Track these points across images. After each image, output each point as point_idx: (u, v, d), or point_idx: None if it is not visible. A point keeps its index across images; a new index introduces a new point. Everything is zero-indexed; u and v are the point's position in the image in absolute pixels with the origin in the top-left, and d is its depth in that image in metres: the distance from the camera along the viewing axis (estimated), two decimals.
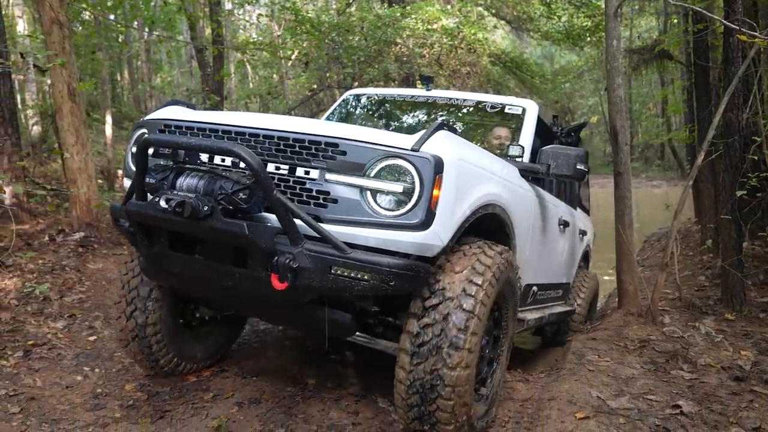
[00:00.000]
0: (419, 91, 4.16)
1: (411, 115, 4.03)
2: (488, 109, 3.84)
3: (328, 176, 2.30)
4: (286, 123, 2.50)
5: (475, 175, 2.56)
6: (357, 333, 2.72)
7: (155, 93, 20.41)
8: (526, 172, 3.36)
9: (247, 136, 2.46)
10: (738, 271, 4.53)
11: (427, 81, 4.17)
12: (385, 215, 2.25)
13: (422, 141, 2.29)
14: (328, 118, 4.27)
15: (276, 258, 2.27)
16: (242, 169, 2.40)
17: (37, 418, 3.10)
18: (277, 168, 2.38)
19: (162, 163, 2.55)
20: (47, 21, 6.14)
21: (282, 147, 2.39)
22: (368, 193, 2.27)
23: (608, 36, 4.35)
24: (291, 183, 2.36)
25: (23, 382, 3.43)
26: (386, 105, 4.23)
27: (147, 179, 2.49)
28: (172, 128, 2.68)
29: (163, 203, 2.31)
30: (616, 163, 4.52)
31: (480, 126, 3.81)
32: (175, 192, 2.36)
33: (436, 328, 2.40)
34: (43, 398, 3.32)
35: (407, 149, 2.26)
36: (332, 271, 2.25)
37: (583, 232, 5.11)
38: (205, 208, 2.26)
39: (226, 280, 2.55)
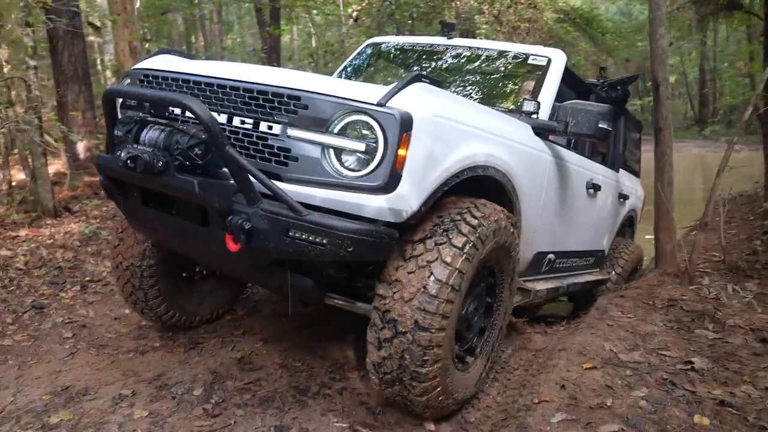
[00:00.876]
0: (440, 39, 3.96)
1: (429, 64, 3.89)
2: (510, 59, 3.61)
3: (290, 132, 2.15)
4: (251, 73, 2.35)
5: (459, 134, 2.34)
6: (336, 295, 2.61)
7: (226, 54, 21.01)
8: (543, 131, 3.12)
9: (215, 88, 2.34)
10: None
11: (449, 28, 3.97)
12: (348, 176, 2.09)
13: (391, 95, 2.09)
14: (342, 70, 4.21)
15: (230, 218, 2.17)
16: None
17: (87, 342, 3.47)
18: (243, 122, 2.25)
19: (135, 115, 2.44)
20: None
21: (247, 100, 2.26)
22: (331, 151, 2.11)
23: None
24: (254, 138, 2.23)
25: (78, 312, 3.83)
26: (405, 54, 4.08)
27: (116, 132, 2.41)
28: (150, 78, 2.57)
29: (121, 157, 2.20)
30: (656, 119, 4.34)
31: (502, 77, 3.61)
32: (136, 146, 2.25)
33: (394, 362, 2.30)
34: (94, 327, 3.69)
35: (372, 104, 2.07)
36: (289, 234, 2.11)
37: (624, 197, 4.77)
38: (160, 163, 2.17)
39: (193, 238, 2.52)
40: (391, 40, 4.20)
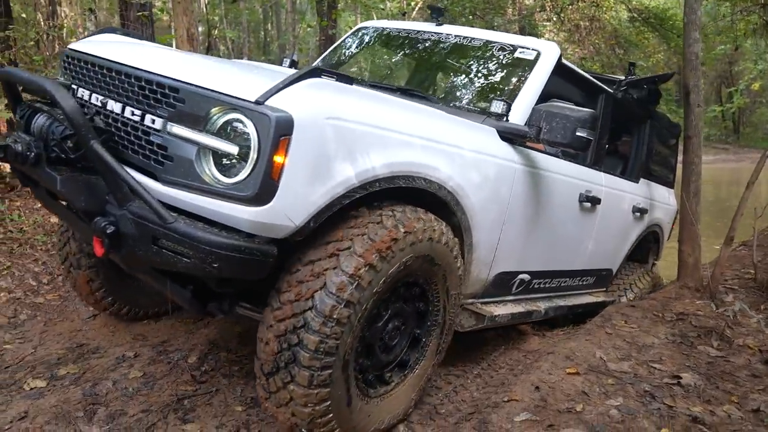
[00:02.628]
0: (428, 26, 3.66)
1: (415, 51, 3.71)
2: (495, 51, 3.24)
3: (170, 128, 1.92)
4: (143, 60, 2.12)
5: (368, 138, 2.02)
6: (248, 305, 2.34)
7: (297, 42, 21.64)
8: (512, 136, 2.79)
9: (113, 74, 2.15)
10: None
11: (438, 14, 3.69)
12: (222, 182, 1.84)
13: (273, 92, 1.81)
14: (328, 54, 4.11)
15: (96, 219, 1.96)
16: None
17: None
18: (132, 113, 2.05)
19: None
20: None
21: (136, 89, 2.05)
22: (208, 152, 1.87)
23: None
24: (139, 132, 2.02)
25: None
26: (393, 40, 3.87)
27: (17, 116, 2.27)
28: (70, 60, 2.41)
29: None
30: (686, 126, 4.18)
31: (484, 71, 3.27)
32: (20, 134, 2.12)
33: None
34: None
35: (249, 101, 1.79)
36: (158, 242, 1.87)
37: (642, 210, 4.28)
38: (32, 154, 2.02)
39: (85, 234, 2.35)
40: (380, 25, 4.02)
